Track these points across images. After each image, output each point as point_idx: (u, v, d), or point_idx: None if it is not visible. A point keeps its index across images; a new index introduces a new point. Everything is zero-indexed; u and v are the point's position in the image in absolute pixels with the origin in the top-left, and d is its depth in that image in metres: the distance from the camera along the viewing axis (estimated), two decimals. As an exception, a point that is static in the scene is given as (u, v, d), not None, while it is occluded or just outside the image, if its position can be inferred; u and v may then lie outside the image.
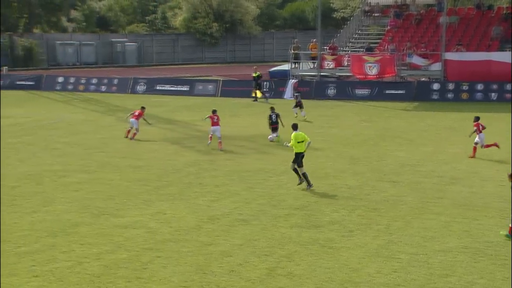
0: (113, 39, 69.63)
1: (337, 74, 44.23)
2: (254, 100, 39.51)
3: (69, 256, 12.98)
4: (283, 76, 45.28)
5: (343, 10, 65.78)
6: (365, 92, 40.15)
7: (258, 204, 16.85)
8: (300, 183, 18.41)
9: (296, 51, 44.61)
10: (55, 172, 20.20)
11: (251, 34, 74.12)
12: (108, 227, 14.84)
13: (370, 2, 49.36)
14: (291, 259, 12.98)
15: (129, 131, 26.32)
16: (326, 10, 63.46)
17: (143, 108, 27.21)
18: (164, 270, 12.33)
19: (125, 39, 70.05)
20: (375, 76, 40.97)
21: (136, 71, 58.29)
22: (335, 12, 67.30)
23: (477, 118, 22.69)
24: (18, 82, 45.73)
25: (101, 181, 19.03)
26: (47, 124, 29.29)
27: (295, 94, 34.99)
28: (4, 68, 52.45)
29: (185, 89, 43.46)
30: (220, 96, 41.14)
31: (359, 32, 49.04)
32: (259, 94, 40.11)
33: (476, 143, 22.46)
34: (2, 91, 43.44)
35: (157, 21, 79.30)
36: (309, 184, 18.22)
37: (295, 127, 18.82)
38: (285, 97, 40.70)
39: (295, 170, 18.49)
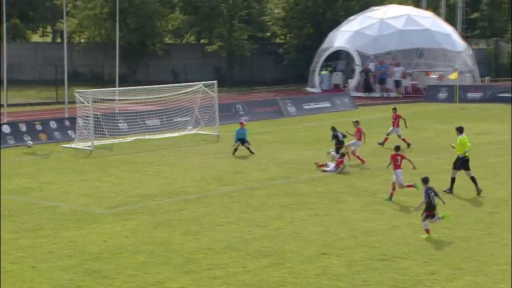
0: None
1: None
2: None
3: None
4: None
5: None
6: None
7: None
8: (450, 192, 19.62)
9: None
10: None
11: None
12: None
13: None
14: None
15: None
16: None
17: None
18: None
19: None
20: None
21: None
22: None
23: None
24: (499, 94, 44.75)
25: None
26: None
27: None
28: (486, 79, 51.50)
29: None
30: None
31: None
32: None
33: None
34: (483, 104, 42.99)
35: None
36: (477, 187, 19.72)
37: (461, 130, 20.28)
38: None
39: (453, 180, 19.76)
